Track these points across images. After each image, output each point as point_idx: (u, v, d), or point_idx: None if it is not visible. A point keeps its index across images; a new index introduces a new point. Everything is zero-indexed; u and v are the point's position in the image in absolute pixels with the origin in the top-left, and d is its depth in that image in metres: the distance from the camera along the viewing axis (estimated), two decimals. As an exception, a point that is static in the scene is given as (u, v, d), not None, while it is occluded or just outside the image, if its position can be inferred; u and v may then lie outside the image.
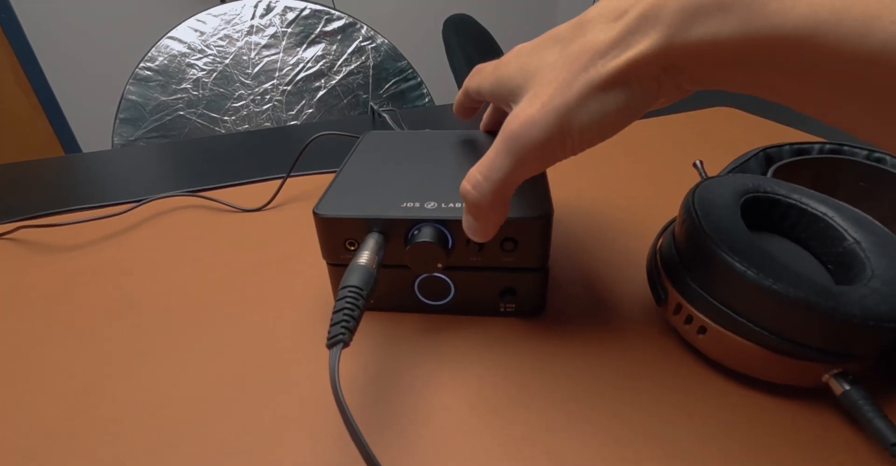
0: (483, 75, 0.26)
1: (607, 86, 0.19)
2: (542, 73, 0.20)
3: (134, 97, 0.96)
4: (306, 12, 1.03)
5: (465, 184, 0.23)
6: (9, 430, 0.24)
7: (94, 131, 2.16)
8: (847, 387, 0.22)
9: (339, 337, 0.21)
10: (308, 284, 0.33)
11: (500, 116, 0.35)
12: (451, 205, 0.26)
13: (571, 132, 0.20)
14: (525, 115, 0.20)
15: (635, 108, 0.19)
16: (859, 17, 0.13)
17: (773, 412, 0.23)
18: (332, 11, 1.03)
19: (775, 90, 0.17)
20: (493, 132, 0.35)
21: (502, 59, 0.24)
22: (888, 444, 0.20)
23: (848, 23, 0.14)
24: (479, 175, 0.22)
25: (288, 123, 1.04)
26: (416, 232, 0.26)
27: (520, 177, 0.22)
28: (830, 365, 0.22)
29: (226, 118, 1.01)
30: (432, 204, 0.27)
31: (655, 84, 0.19)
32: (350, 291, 0.22)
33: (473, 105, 0.31)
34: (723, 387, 0.25)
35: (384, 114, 0.61)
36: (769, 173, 0.34)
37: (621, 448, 0.22)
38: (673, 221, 0.30)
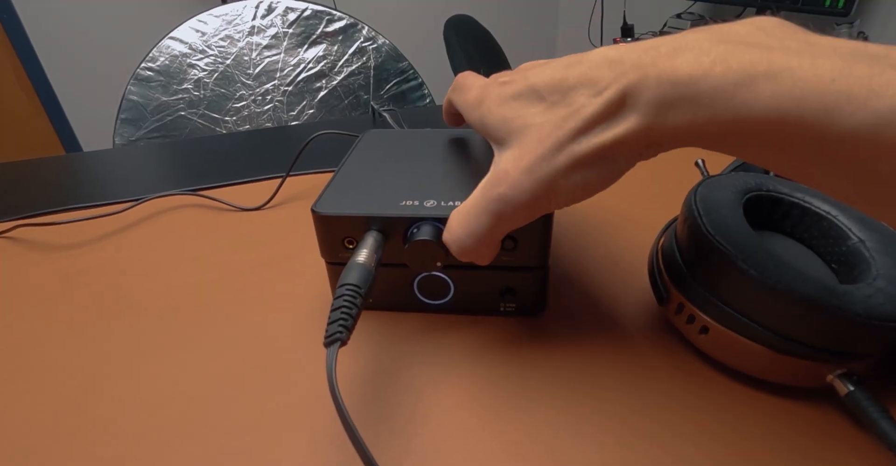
0: (466, 103, 0.26)
1: (591, 160, 0.20)
2: (526, 134, 0.21)
3: (135, 97, 0.96)
4: (307, 13, 1.03)
5: (447, 237, 0.23)
6: (8, 429, 0.24)
7: (95, 131, 2.16)
8: (852, 388, 0.21)
9: (337, 336, 0.20)
10: (307, 283, 0.33)
11: None
12: (451, 203, 0.26)
13: (557, 196, 0.21)
14: (512, 179, 0.21)
15: (618, 174, 0.21)
16: (820, 108, 0.15)
17: (776, 412, 0.23)
18: (334, 12, 1.03)
19: (756, 160, 0.18)
20: None
21: (485, 96, 0.24)
22: (893, 445, 0.19)
23: (811, 114, 0.15)
24: (461, 230, 0.23)
25: (289, 123, 1.03)
26: (415, 230, 0.25)
27: (502, 232, 0.22)
28: (835, 366, 0.22)
29: (227, 118, 1.01)
30: (431, 202, 0.26)
31: (637, 155, 0.20)
32: (348, 289, 0.22)
33: (457, 112, 0.31)
34: (725, 388, 0.24)
35: (385, 114, 0.61)
36: (772, 171, 0.33)
37: (622, 448, 0.22)
38: (674, 220, 0.30)
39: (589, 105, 0.19)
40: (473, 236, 0.22)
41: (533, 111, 0.21)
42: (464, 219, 0.23)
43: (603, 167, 0.20)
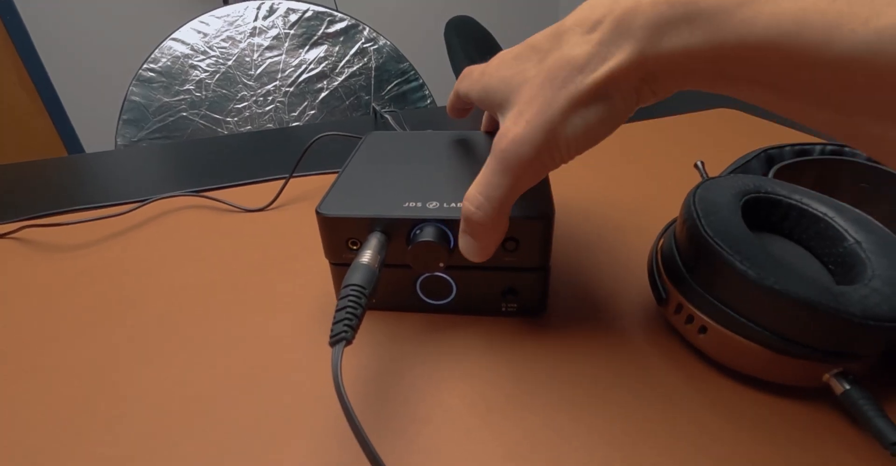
0: (470, 81, 0.26)
1: (588, 100, 0.19)
2: (523, 89, 0.21)
3: (137, 98, 0.96)
4: (309, 14, 1.03)
5: (468, 206, 0.23)
6: (12, 429, 0.24)
7: (97, 132, 2.17)
8: (847, 387, 0.22)
9: (342, 335, 0.21)
10: (310, 284, 0.33)
11: (495, 119, 0.35)
12: (453, 204, 0.27)
13: (559, 146, 0.20)
14: (513, 134, 0.21)
15: (617, 117, 0.20)
16: (820, 26, 0.14)
17: (773, 412, 0.23)
18: (335, 13, 1.04)
19: (749, 94, 0.17)
20: (492, 133, 0.35)
21: (487, 66, 0.24)
22: (888, 444, 0.20)
23: (809, 32, 0.14)
24: (479, 196, 0.22)
25: (290, 124, 1.04)
26: (417, 231, 0.26)
27: (517, 192, 0.22)
28: (831, 365, 0.22)
29: (228, 119, 1.01)
30: (434, 203, 0.27)
31: (634, 93, 0.19)
32: (353, 290, 0.22)
33: (465, 106, 0.31)
34: (723, 387, 0.25)
35: (386, 115, 0.62)
36: (770, 174, 0.34)
37: (622, 447, 0.22)
38: (674, 222, 0.30)
39: (582, 43, 0.19)
40: (491, 199, 0.22)
41: (529, 65, 0.21)
42: (479, 184, 0.22)
43: (601, 107, 0.19)
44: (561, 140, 0.20)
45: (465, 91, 0.27)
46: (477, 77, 0.25)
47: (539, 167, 0.21)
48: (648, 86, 0.19)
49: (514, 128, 0.21)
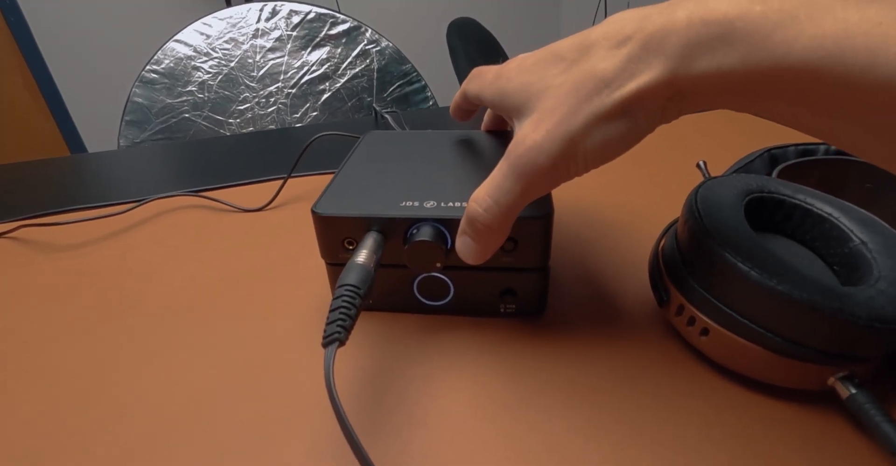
0: (483, 83, 0.26)
1: (612, 116, 0.19)
2: (546, 96, 0.20)
3: (140, 99, 0.96)
4: (311, 16, 1.03)
5: (476, 207, 0.22)
6: (10, 429, 0.24)
7: (100, 133, 2.18)
8: (853, 391, 0.21)
9: (335, 336, 0.20)
10: (308, 284, 0.33)
11: (499, 119, 0.34)
12: (451, 204, 0.26)
13: (576, 158, 0.20)
14: (531, 141, 0.20)
15: (639, 134, 0.19)
16: (863, 48, 0.14)
17: (777, 415, 0.23)
18: (337, 15, 1.04)
19: (780, 116, 0.17)
20: (493, 132, 0.35)
21: (504, 68, 0.24)
22: (895, 450, 0.19)
23: (852, 54, 0.14)
24: (489, 198, 0.22)
25: (293, 126, 1.04)
26: (414, 231, 0.25)
27: (527, 200, 0.22)
28: (836, 368, 0.22)
29: (231, 121, 1.02)
30: (431, 203, 0.26)
31: (660, 112, 0.19)
32: (347, 290, 0.22)
33: (471, 107, 0.31)
34: (726, 390, 0.24)
35: (387, 116, 0.61)
36: (774, 174, 0.33)
37: (622, 450, 0.22)
38: (675, 222, 0.29)
39: (610, 57, 0.19)
40: (500, 204, 0.22)
41: (553, 72, 0.20)
42: (489, 187, 0.22)
43: (624, 124, 0.19)
44: (579, 152, 0.20)
45: (476, 92, 0.27)
46: (491, 79, 0.25)
47: (554, 177, 0.21)
48: (675, 104, 0.19)
49: (533, 135, 0.20)
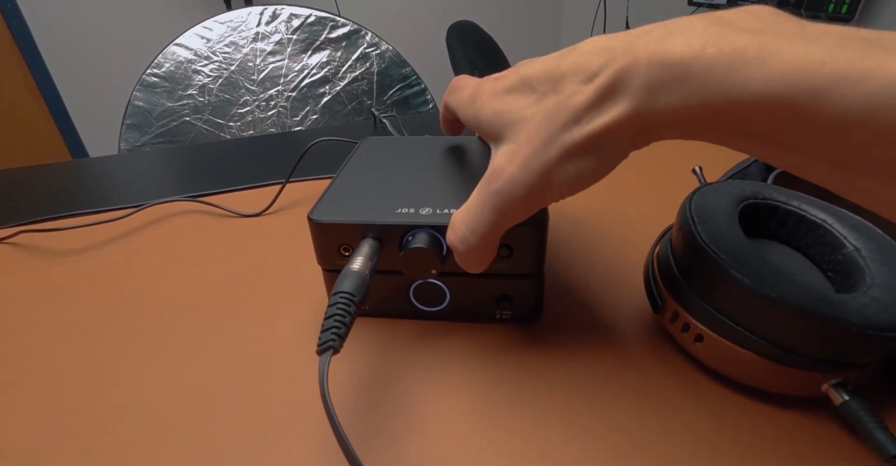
0: (460, 102, 0.26)
1: (582, 150, 0.20)
2: (518, 127, 0.21)
3: (140, 103, 0.97)
4: (311, 19, 1.03)
5: (452, 237, 0.23)
6: (10, 430, 0.24)
7: (101, 136, 2.18)
8: (846, 397, 0.21)
9: (329, 344, 0.20)
10: (305, 289, 0.33)
11: None
12: (447, 211, 0.26)
13: (551, 188, 0.21)
14: (508, 174, 0.21)
15: (609, 165, 0.20)
16: (809, 88, 0.14)
17: (771, 422, 0.23)
18: (337, 18, 1.04)
19: (747, 148, 0.18)
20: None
21: (478, 90, 0.24)
22: (888, 457, 0.19)
23: (800, 95, 0.15)
24: (465, 228, 0.23)
25: (293, 129, 1.04)
26: (410, 238, 0.26)
27: (504, 227, 0.23)
28: (829, 375, 0.22)
29: (231, 124, 1.02)
30: (427, 210, 0.27)
31: (629, 144, 0.20)
32: (341, 297, 0.22)
33: (455, 117, 0.31)
34: (720, 396, 0.24)
35: (384, 120, 0.62)
36: (770, 179, 0.33)
37: (617, 457, 0.22)
38: (670, 228, 0.29)
39: (579, 92, 0.19)
40: (476, 233, 0.22)
41: (525, 103, 0.21)
42: (466, 217, 0.23)
43: (595, 157, 0.20)
44: (554, 183, 0.21)
45: (454, 108, 0.27)
46: (467, 100, 0.25)
47: (530, 206, 0.22)
48: (643, 137, 0.20)
49: (509, 168, 0.21)
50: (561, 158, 0.20)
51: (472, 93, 0.25)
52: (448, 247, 0.26)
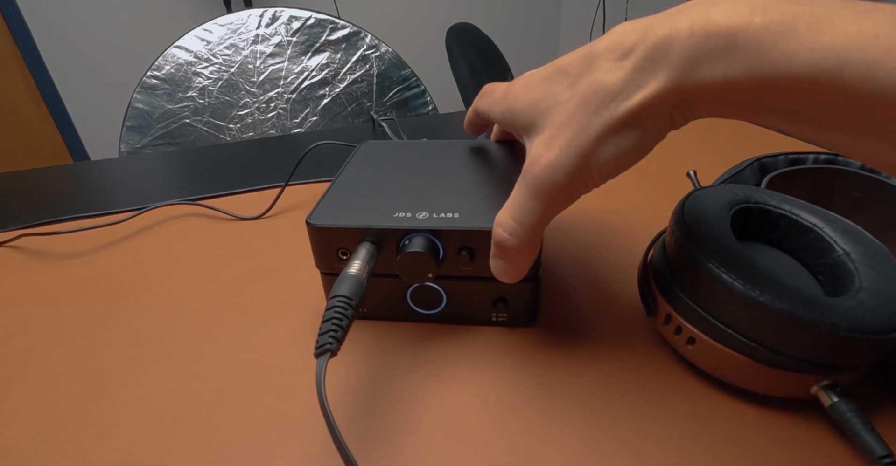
0: (492, 100, 0.26)
1: (622, 127, 0.19)
2: (554, 112, 0.21)
3: (141, 105, 0.97)
4: (311, 21, 1.04)
5: (500, 232, 0.23)
6: (9, 435, 0.24)
7: (101, 139, 2.19)
8: (835, 399, 0.21)
9: (327, 347, 0.21)
10: (304, 292, 0.33)
11: (507, 131, 0.35)
12: (443, 215, 0.27)
13: (591, 172, 0.20)
14: (545, 161, 0.20)
15: (649, 143, 0.20)
16: (861, 62, 0.14)
17: (762, 423, 0.23)
18: (337, 20, 1.04)
19: (787, 124, 0.17)
20: (503, 142, 0.35)
21: (511, 86, 0.24)
22: (875, 458, 0.20)
23: (850, 68, 0.14)
24: (512, 221, 0.22)
25: (293, 131, 1.04)
26: (406, 242, 0.26)
27: (549, 217, 0.22)
28: (819, 377, 0.22)
29: (231, 126, 1.02)
30: (424, 214, 0.27)
31: (667, 120, 0.19)
32: (339, 301, 0.22)
33: (483, 123, 0.31)
34: (713, 398, 0.25)
35: (383, 123, 0.62)
36: (763, 183, 0.34)
37: (610, 458, 0.22)
38: (664, 232, 0.30)
39: (615, 69, 0.19)
40: (524, 225, 0.22)
41: (559, 88, 0.21)
42: (511, 210, 0.22)
43: (634, 135, 0.19)
44: (593, 166, 0.20)
45: (486, 110, 0.27)
46: (500, 97, 0.25)
47: (572, 192, 0.21)
48: (681, 112, 0.19)
49: (547, 153, 0.20)
50: (599, 138, 0.19)
51: (505, 91, 0.25)
52: (443, 252, 0.26)
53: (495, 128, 0.35)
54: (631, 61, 0.18)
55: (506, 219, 0.23)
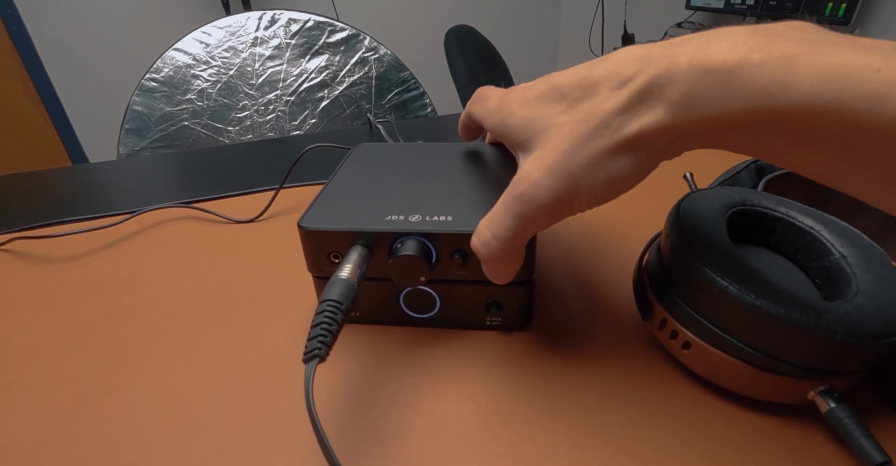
0: (486, 109, 0.26)
1: (615, 154, 0.19)
2: (548, 134, 0.21)
3: (139, 108, 0.97)
4: (310, 24, 1.04)
5: (475, 241, 0.23)
6: (5, 438, 0.24)
7: (100, 141, 2.19)
8: (832, 405, 0.21)
9: (315, 352, 0.21)
10: (297, 295, 0.33)
11: None
12: (436, 218, 0.26)
13: (579, 196, 0.20)
14: (534, 179, 0.20)
15: (642, 173, 0.20)
16: (866, 94, 0.14)
17: (759, 429, 0.23)
18: (336, 23, 1.04)
19: (783, 157, 0.17)
20: (482, 144, 0.35)
21: (506, 99, 0.24)
22: (874, 465, 0.19)
23: (851, 101, 0.14)
24: (488, 233, 0.22)
25: (291, 133, 1.04)
26: (399, 245, 0.26)
27: (528, 234, 0.22)
28: (816, 382, 0.22)
29: (229, 128, 1.02)
30: (416, 217, 0.27)
31: (661, 151, 0.19)
32: (329, 305, 0.22)
33: (477, 128, 0.31)
34: (709, 403, 0.24)
35: (379, 126, 0.62)
36: (760, 185, 0.33)
37: (606, 464, 0.22)
38: (659, 235, 0.30)
39: (612, 97, 0.19)
40: (499, 238, 0.22)
41: (556, 110, 0.21)
42: (490, 221, 0.22)
43: (627, 163, 0.19)
44: (582, 191, 0.20)
45: (479, 117, 0.27)
46: (494, 108, 0.25)
47: (554, 214, 0.21)
48: (676, 145, 0.19)
49: (536, 172, 0.20)
50: (590, 164, 0.19)
51: (499, 102, 0.24)
52: (436, 255, 0.26)
53: (489, 134, 0.35)
54: (628, 90, 0.18)
55: (483, 231, 0.23)
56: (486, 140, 0.35)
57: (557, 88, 0.21)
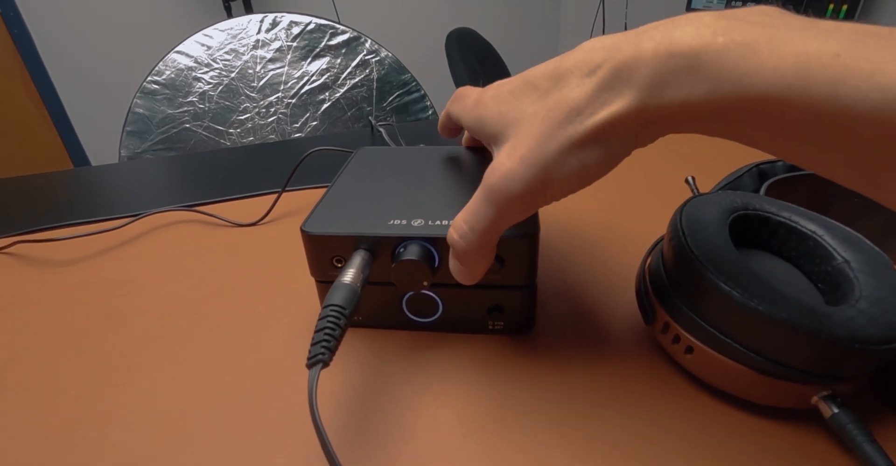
0: (463, 107, 0.26)
1: (585, 142, 0.19)
2: (520, 124, 0.21)
3: (141, 110, 0.97)
4: (311, 26, 1.04)
5: (452, 233, 0.23)
6: (3, 440, 0.24)
7: (102, 144, 2.19)
8: (836, 410, 0.21)
9: (319, 358, 0.21)
10: (300, 299, 0.33)
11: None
12: (439, 222, 0.26)
13: (552, 184, 0.20)
14: (505, 168, 0.21)
15: (614, 160, 0.20)
16: (823, 79, 0.14)
17: (762, 434, 0.23)
18: (337, 25, 1.05)
19: (750, 141, 0.18)
20: (473, 148, 0.35)
21: (482, 95, 0.24)
22: (876, 470, 0.19)
23: (813, 86, 0.14)
24: (464, 225, 0.22)
25: (293, 136, 1.04)
26: (401, 249, 0.26)
27: (503, 225, 0.22)
28: (819, 387, 0.22)
29: (231, 131, 1.02)
30: (419, 221, 0.27)
31: (633, 138, 0.19)
32: (332, 310, 0.22)
33: (456, 126, 0.31)
34: (711, 408, 0.24)
35: (381, 129, 0.62)
36: (762, 190, 0.33)
37: (605, 470, 0.22)
38: (662, 239, 0.30)
39: (581, 85, 0.19)
40: (475, 230, 0.22)
41: (527, 101, 0.21)
42: (466, 214, 0.22)
43: (598, 150, 0.19)
44: (555, 179, 0.20)
45: (457, 116, 0.27)
46: (471, 106, 0.25)
47: (529, 203, 0.21)
48: (648, 131, 0.19)
49: (508, 162, 0.20)
50: (562, 152, 0.19)
51: (475, 99, 0.25)
52: (438, 259, 0.26)
53: (466, 133, 0.35)
54: (597, 78, 0.19)
55: (459, 222, 0.23)
56: (464, 139, 0.35)
57: (529, 81, 0.21)
